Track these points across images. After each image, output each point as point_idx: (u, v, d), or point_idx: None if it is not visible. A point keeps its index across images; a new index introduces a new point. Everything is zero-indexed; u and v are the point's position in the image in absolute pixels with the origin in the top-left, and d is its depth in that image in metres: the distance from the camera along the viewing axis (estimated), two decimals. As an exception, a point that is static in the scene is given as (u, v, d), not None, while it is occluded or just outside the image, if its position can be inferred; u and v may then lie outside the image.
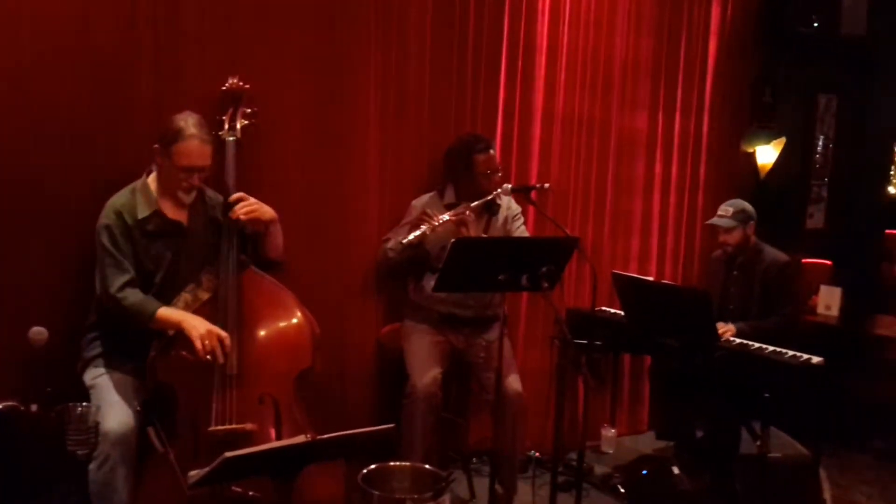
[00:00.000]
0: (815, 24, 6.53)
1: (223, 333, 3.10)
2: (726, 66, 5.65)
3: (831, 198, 7.32)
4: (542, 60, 4.78)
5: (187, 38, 3.63)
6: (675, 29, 5.36)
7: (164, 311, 3.15)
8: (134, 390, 3.17)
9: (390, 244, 4.07)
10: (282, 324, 3.36)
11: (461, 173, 4.14)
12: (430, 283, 4.03)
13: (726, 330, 4.40)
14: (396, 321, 4.34)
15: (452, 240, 3.47)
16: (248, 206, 3.30)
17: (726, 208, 4.73)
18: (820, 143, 7.21)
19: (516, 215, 4.27)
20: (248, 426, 3.08)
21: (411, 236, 3.82)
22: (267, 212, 3.36)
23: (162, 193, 3.27)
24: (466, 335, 4.16)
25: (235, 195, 3.32)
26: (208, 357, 3.05)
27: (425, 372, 3.91)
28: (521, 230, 4.26)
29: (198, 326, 3.08)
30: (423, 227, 3.82)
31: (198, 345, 3.04)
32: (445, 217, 3.87)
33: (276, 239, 3.49)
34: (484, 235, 4.07)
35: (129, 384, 3.17)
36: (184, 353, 3.10)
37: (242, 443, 2.90)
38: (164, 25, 3.56)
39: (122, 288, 3.13)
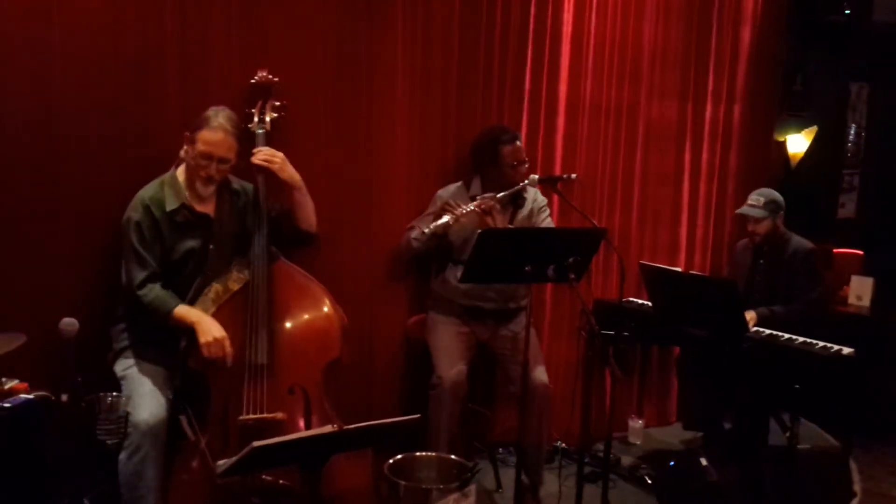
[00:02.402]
0: (847, 12, 6.45)
1: (228, 347, 3.13)
2: (757, 54, 5.58)
3: (863, 187, 7.24)
4: (568, 49, 4.75)
5: (214, 31, 3.65)
6: (705, 16, 5.31)
7: (181, 310, 3.17)
8: (164, 380, 3.20)
9: (414, 233, 4.05)
10: (311, 315, 3.38)
11: (487, 165, 4.10)
12: (453, 274, 4.04)
13: (749, 318, 4.35)
14: (422, 312, 4.35)
15: (479, 231, 3.46)
16: (266, 155, 3.39)
17: (757, 198, 4.67)
18: (852, 131, 7.13)
19: (542, 207, 4.23)
20: (279, 416, 3.11)
21: (434, 225, 3.79)
22: (287, 171, 3.43)
23: (189, 186, 3.29)
24: (491, 327, 4.15)
25: (261, 148, 3.44)
26: (213, 362, 3.12)
27: (451, 364, 3.91)
28: (547, 222, 4.23)
29: (206, 333, 3.11)
30: (447, 217, 3.78)
31: (203, 352, 3.10)
32: (470, 207, 3.83)
33: (306, 207, 3.53)
34: (509, 226, 4.05)
35: (159, 374, 3.20)
36: None
37: (272, 432, 2.92)
38: (191, 19, 3.58)
39: (142, 284, 3.17)
